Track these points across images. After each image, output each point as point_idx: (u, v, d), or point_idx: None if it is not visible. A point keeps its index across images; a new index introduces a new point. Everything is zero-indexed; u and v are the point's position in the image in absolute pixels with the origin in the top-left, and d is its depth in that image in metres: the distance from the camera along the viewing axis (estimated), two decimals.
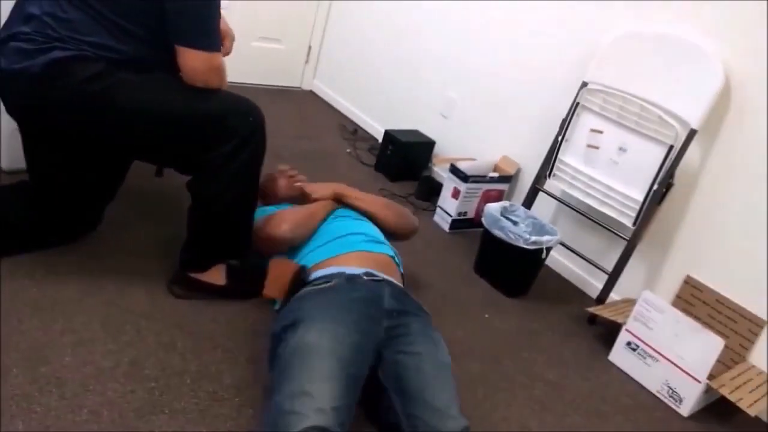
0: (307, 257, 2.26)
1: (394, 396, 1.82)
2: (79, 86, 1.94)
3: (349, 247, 2.25)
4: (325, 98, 4.89)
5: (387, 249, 2.35)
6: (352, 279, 2.07)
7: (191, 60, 2.05)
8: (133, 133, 2.08)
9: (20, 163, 2.29)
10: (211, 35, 2.08)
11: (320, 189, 2.56)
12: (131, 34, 2.00)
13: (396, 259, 2.35)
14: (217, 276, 2.27)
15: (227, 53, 2.42)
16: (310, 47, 4.89)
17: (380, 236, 2.42)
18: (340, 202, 2.54)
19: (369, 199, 2.59)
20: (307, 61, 4.94)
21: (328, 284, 2.04)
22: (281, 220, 2.32)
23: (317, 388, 1.64)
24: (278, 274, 2.12)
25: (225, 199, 2.16)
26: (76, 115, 2.00)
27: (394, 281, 2.18)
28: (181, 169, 2.24)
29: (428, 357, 1.91)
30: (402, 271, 2.37)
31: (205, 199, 2.18)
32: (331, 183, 2.62)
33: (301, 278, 2.11)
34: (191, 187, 2.19)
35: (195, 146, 2.10)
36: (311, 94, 4.98)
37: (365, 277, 2.09)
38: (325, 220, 2.43)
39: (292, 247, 2.35)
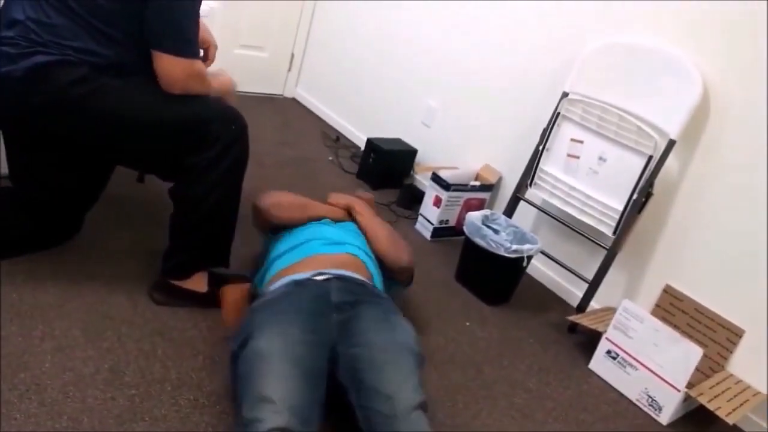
0: (271, 267, 2.24)
1: (351, 392, 1.81)
2: (61, 91, 1.93)
3: (305, 253, 2.23)
4: (308, 106, 4.90)
5: (348, 248, 2.30)
6: (299, 283, 2.05)
7: (169, 66, 2.04)
8: (116, 138, 2.07)
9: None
10: (189, 41, 2.07)
11: (340, 197, 2.63)
12: (113, 39, 2.00)
13: (362, 256, 2.30)
14: (198, 283, 2.27)
15: (211, 62, 2.43)
16: (292, 55, 4.89)
17: (348, 239, 2.37)
18: (349, 215, 2.56)
19: (373, 219, 2.55)
20: (289, 69, 4.94)
21: (275, 294, 2.03)
22: (271, 195, 2.42)
23: (273, 390, 1.64)
24: (231, 301, 2.11)
25: (206, 205, 2.15)
26: (58, 120, 2.00)
27: (350, 274, 2.14)
28: (163, 175, 2.23)
29: (381, 344, 1.88)
30: (373, 270, 2.30)
31: (186, 204, 2.17)
32: (353, 197, 2.65)
33: (254, 298, 2.10)
34: (173, 193, 2.18)
35: (177, 151, 2.09)
36: (294, 102, 4.98)
37: (313, 278, 2.07)
38: (315, 220, 2.45)
39: (276, 235, 2.41)
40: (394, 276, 2.47)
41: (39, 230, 2.25)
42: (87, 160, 2.23)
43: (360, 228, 2.51)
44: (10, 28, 1.96)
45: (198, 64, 2.11)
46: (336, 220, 2.51)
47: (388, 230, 2.55)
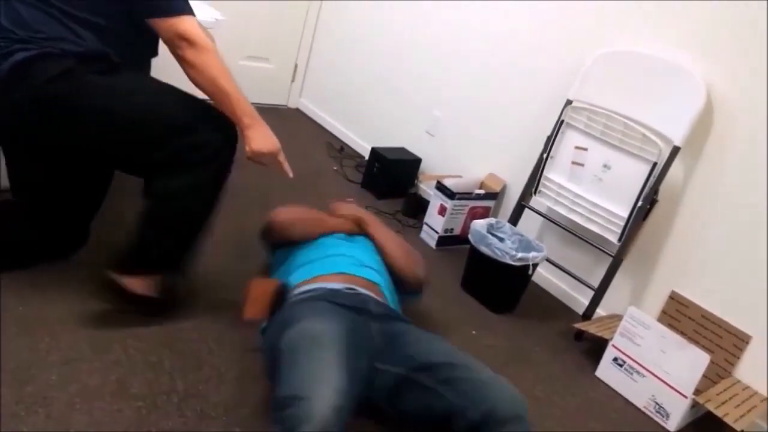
0: (293, 274, 2.23)
1: (414, 374, 1.83)
2: (43, 87, 1.91)
3: (333, 269, 2.21)
4: (312, 116, 4.91)
5: (372, 274, 2.27)
6: (335, 291, 2.05)
7: (159, 30, 2.02)
8: (98, 137, 2.03)
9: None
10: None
11: (345, 208, 2.61)
12: (94, 26, 1.98)
13: (382, 287, 2.26)
14: (144, 285, 2.12)
15: None
16: (296, 66, 4.91)
17: (371, 262, 2.35)
18: (359, 227, 2.53)
19: (386, 233, 2.54)
20: (293, 80, 4.95)
21: (313, 294, 2.03)
22: (285, 210, 2.42)
23: (326, 373, 1.61)
24: (258, 293, 2.06)
25: (175, 206, 2.09)
26: (43, 118, 1.97)
27: (380, 299, 2.16)
28: (145, 175, 2.15)
29: (435, 341, 1.98)
30: (388, 295, 2.27)
31: (158, 200, 2.10)
32: (359, 208, 2.64)
33: (282, 295, 2.06)
34: (149, 188, 2.12)
35: (158, 153, 2.04)
36: (298, 112, 4.99)
37: (346, 291, 2.08)
38: (328, 234, 2.43)
39: (286, 249, 2.40)
40: (409, 288, 2.45)
41: (43, 241, 2.24)
42: (82, 163, 2.20)
43: (373, 242, 2.49)
44: None
45: (184, 22, 2.01)
46: (348, 234, 2.49)
47: (402, 244, 2.54)
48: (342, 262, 2.25)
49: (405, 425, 1.95)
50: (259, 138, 2.18)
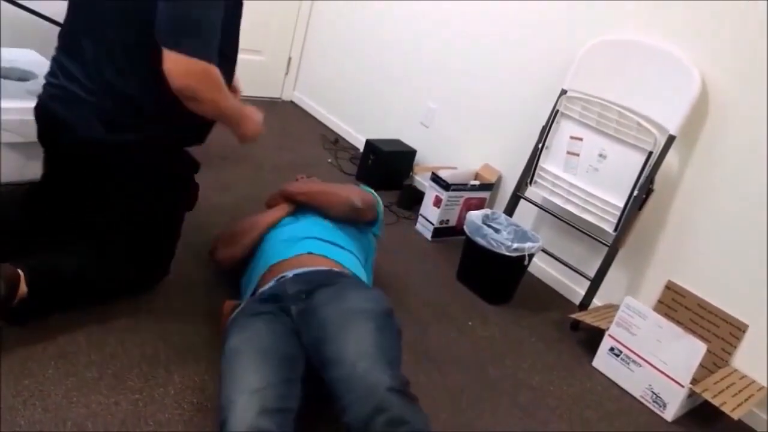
0: (253, 278, 2.25)
1: (321, 373, 1.81)
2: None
3: (266, 265, 2.21)
4: (306, 109, 4.89)
5: (301, 247, 2.24)
6: (262, 293, 2.07)
7: (169, 63, 1.86)
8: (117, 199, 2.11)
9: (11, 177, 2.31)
10: (195, 36, 1.90)
11: (273, 195, 2.60)
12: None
13: (318, 248, 2.25)
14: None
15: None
16: (290, 58, 4.89)
17: (302, 232, 2.33)
18: (293, 202, 2.51)
19: (311, 193, 2.51)
20: (287, 73, 4.94)
21: (243, 304, 2.05)
22: (221, 242, 2.47)
23: (244, 378, 1.68)
24: (227, 311, 2.10)
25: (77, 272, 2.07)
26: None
27: (307, 269, 2.12)
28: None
29: (332, 316, 1.87)
30: (335, 254, 2.25)
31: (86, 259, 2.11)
32: (286, 185, 2.60)
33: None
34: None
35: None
36: (292, 105, 4.98)
37: (272, 285, 2.09)
38: (274, 226, 2.42)
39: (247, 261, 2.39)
40: (360, 221, 2.48)
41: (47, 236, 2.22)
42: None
43: (309, 207, 2.47)
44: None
45: (199, 64, 1.90)
46: (292, 214, 2.47)
47: (325, 190, 2.54)
48: (269, 254, 2.26)
49: None
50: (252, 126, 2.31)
